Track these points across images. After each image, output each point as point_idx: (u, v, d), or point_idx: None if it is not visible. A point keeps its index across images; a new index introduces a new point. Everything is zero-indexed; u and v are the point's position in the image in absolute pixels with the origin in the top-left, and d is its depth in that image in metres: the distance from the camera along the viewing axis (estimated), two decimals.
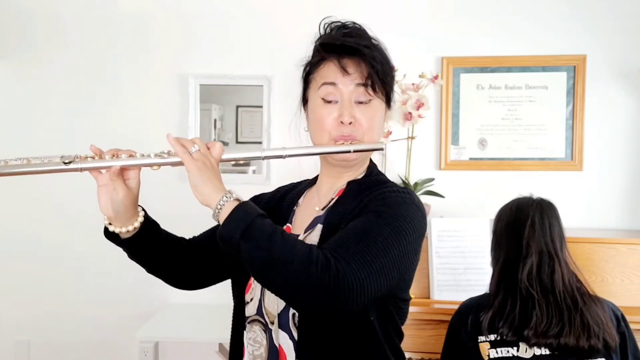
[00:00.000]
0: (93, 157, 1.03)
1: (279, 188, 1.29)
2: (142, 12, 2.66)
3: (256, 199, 1.27)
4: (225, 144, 2.77)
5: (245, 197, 1.27)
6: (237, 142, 2.79)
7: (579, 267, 1.54)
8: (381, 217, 0.99)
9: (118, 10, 2.66)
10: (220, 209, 0.95)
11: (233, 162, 2.79)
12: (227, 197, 0.96)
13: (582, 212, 2.51)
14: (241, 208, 0.95)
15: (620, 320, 1.51)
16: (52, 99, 2.69)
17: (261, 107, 2.64)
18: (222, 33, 2.64)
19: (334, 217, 1.08)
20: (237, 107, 2.77)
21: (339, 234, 0.99)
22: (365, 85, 1.07)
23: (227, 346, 2.33)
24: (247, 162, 2.74)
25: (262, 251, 0.91)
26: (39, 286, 2.69)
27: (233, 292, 1.19)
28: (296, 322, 1.04)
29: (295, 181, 1.30)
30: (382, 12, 2.57)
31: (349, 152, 1.08)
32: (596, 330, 1.40)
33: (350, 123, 1.07)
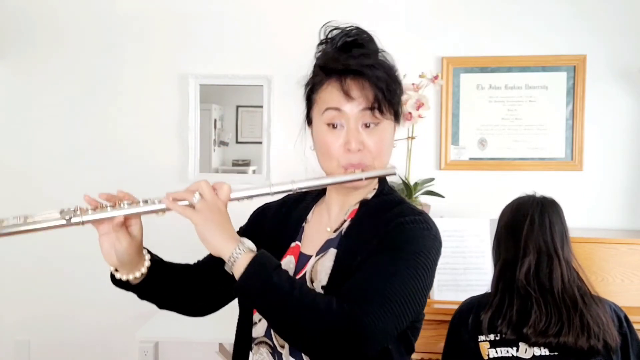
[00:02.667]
0: (94, 209, 0.99)
1: (285, 198, 1.23)
2: (142, 12, 2.66)
3: (262, 211, 1.24)
4: (225, 144, 2.77)
5: (248, 205, 1.25)
6: (237, 142, 2.79)
7: (582, 265, 1.52)
8: (399, 255, 0.97)
9: (118, 10, 2.66)
10: (234, 262, 0.93)
11: (232, 162, 2.82)
12: (240, 249, 0.93)
13: (582, 212, 2.51)
14: (256, 262, 0.92)
15: (622, 321, 1.50)
16: (52, 100, 2.69)
17: (261, 107, 2.64)
18: (222, 33, 2.64)
19: (348, 243, 1.05)
20: (237, 107, 2.77)
21: (357, 277, 0.96)
22: (371, 109, 1.02)
23: (227, 346, 2.33)
24: (246, 162, 2.75)
25: (280, 308, 0.90)
26: (39, 286, 2.69)
27: (240, 310, 1.16)
28: None
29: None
30: (381, 11, 2.56)
31: (360, 179, 1.04)
32: (596, 331, 1.39)
33: (358, 150, 1.03)
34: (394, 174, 1.08)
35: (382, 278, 0.94)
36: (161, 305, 1.17)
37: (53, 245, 2.67)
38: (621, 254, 2.08)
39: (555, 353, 1.41)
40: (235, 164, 2.77)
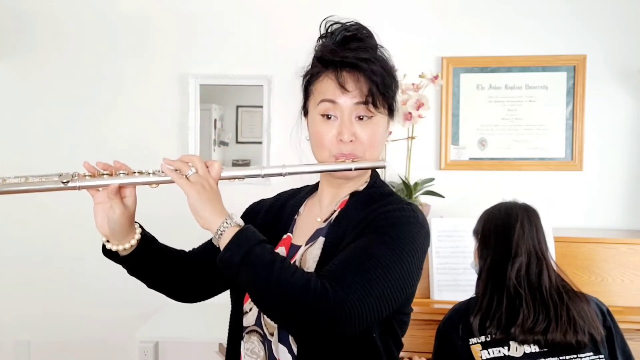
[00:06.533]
0: (91, 175, 1.02)
1: (280, 194, 1.27)
2: (142, 12, 2.66)
3: (256, 206, 1.26)
4: (225, 144, 2.77)
5: (246, 199, 1.27)
6: (237, 142, 2.79)
7: (562, 269, 1.57)
8: (383, 238, 0.98)
9: (118, 10, 2.66)
10: (221, 234, 0.95)
11: (232, 162, 2.82)
12: (227, 223, 0.95)
13: (582, 212, 2.51)
14: (241, 234, 0.94)
15: (605, 315, 1.53)
16: (53, 99, 2.69)
17: (261, 107, 2.64)
18: (222, 33, 2.64)
19: (336, 231, 1.06)
20: (237, 107, 2.78)
21: (340, 257, 0.97)
22: (365, 103, 1.04)
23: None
24: (246, 162, 2.75)
25: (260, 280, 0.91)
26: (39, 286, 2.69)
27: (232, 301, 1.17)
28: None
29: (295, 187, 1.28)
30: (382, 11, 2.57)
31: (350, 170, 1.06)
32: (582, 325, 1.43)
33: (350, 141, 1.04)
34: (384, 167, 1.09)
35: (364, 260, 0.94)
36: (150, 285, 1.18)
37: (53, 245, 2.68)
38: (621, 254, 2.08)
39: (545, 349, 1.44)
40: (235, 164, 2.78)
